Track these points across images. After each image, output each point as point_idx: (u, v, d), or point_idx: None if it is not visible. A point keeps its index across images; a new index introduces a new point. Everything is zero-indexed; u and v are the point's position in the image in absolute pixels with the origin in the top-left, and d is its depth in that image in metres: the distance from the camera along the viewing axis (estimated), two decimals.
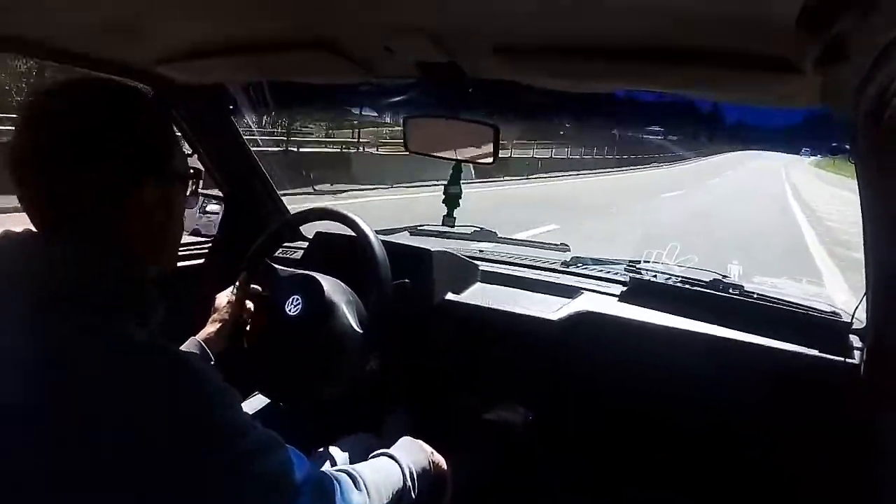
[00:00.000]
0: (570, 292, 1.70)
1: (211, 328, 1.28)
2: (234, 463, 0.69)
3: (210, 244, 2.00)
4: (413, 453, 1.11)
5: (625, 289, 1.66)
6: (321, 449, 1.30)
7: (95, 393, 0.63)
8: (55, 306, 0.66)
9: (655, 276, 1.74)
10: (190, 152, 1.86)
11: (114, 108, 0.73)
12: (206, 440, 0.67)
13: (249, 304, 1.36)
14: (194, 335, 1.25)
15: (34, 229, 0.72)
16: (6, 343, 0.65)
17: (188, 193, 0.85)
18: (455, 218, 2.12)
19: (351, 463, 1.23)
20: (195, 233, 1.98)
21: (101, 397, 0.63)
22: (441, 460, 1.17)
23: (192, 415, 0.67)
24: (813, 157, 46.51)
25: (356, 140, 17.37)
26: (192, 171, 0.83)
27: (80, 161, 0.69)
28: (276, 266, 1.47)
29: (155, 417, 0.64)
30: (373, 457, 1.08)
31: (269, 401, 1.46)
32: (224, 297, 1.35)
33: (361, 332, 1.31)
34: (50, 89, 0.74)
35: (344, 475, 0.90)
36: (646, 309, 1.56)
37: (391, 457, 1.06)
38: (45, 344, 0.65)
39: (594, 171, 25.30)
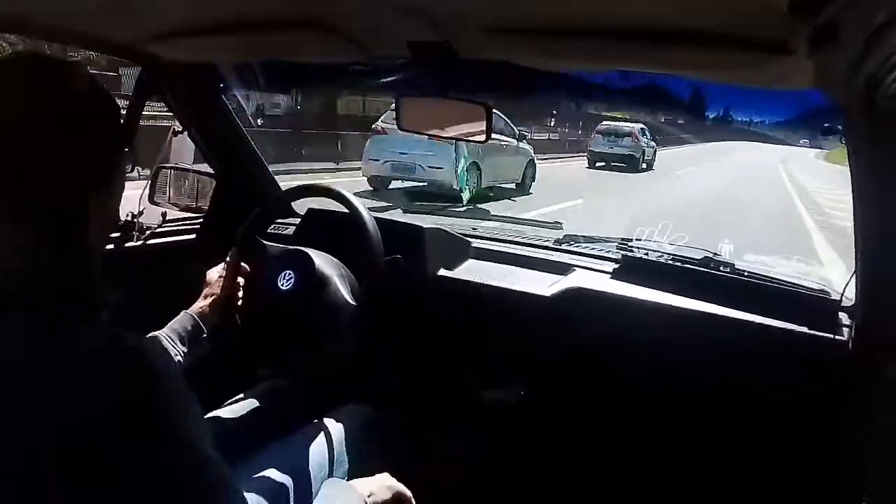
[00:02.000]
0: (563, 269, 1.71)
1: (203, 302, 1.29)
2: (175, 471, 0.63)
3: (202, 220, 2.00)
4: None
5: (617, 266, 1.67)
6: (315, 421, 1.32)
7: (45, 389, 0.59)
8: (8, 303, 0.62)
9: (647, 253, 1.74)
10: (181, 129, 1.85)
11: (86, 91, 0.69)
12: (153, 441, 0.62)
13: (240, 280, 1.37)
14: (186, 308, 1.26)
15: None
16: None
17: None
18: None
19: (346, 436, 1.26)
20: (187, 208, 1.98)
21: (53, 392, 0.59)
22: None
23: (142, 412, 0.61)
24: (817, 149, 37.12)
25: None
26: (127, 149, 0.76)
27: (56, 150, 0.64)
28: (268, 243, 1.48)
29: (103, 411, 0.60)
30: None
31: (262, 377, 1.48)
32: (216, 273, 1.36)
33: (354, 304, 1.32)
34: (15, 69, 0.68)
35: None
36: (638, 286, 1.57)
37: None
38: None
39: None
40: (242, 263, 1.38)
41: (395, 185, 9.90)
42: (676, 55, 1.01)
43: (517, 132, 11.19)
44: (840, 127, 1.09)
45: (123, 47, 1.44)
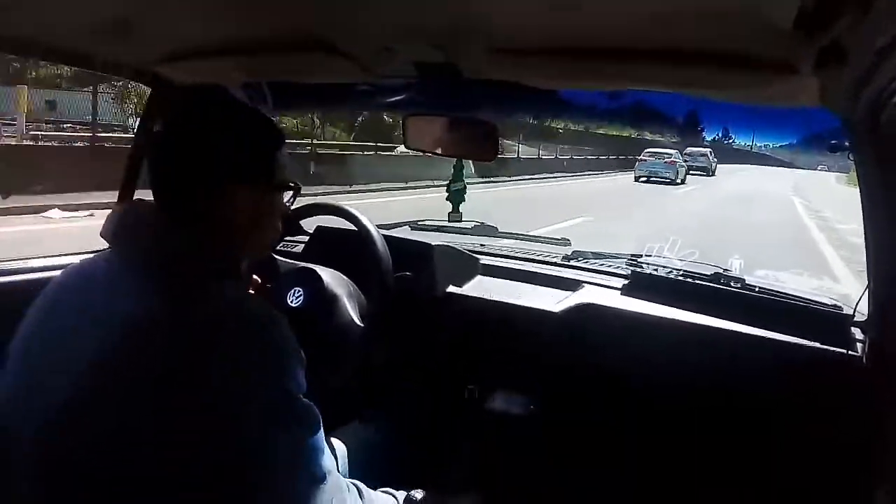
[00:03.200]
0: (572, 285, 1.70)
1: None
2: (282, 415, 0.77)
3: None
4: None
5: (626, 282, 1.66)
6: None
7: (197, 341, 0.75)
8: (161, 266, 0.80)
9: (657, 269, 1.73)
10: None
11: (230, 124, 0.89)
12: (274, 396, 0.77)
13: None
14: None
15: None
16: (119, 292, 0.79)
17: (286, 201, 0.99)
18: (461, 213, 2.13)
19: (349, 456, 1.26)
20: None
21: (201, 346, 0.75)
22: None
23: (272, 368, 0.78)
24: (839, 173, 32.87)
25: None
26: (291, 185, 0.96)
27: (192, 159, 0.86)
28: (279, 258, 1.48)
29: (239, 363, 0.75)
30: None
31: None
32: None
33: (362, 323, 1.32)
34: (191, 99, 0.95)
35: (355, 489, 0.96)
36: (648, 302, 1.56)
37: None
38: (152, 297, 0.77)
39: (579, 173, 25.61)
40: (254, 276, 1.38)
41: (641, 180, 22.88)
42: (681, 74, 1.02)
43: (681, 157, 25.57)
44: (847, 144, 1.09)
45: (131, 69, 1.46)
